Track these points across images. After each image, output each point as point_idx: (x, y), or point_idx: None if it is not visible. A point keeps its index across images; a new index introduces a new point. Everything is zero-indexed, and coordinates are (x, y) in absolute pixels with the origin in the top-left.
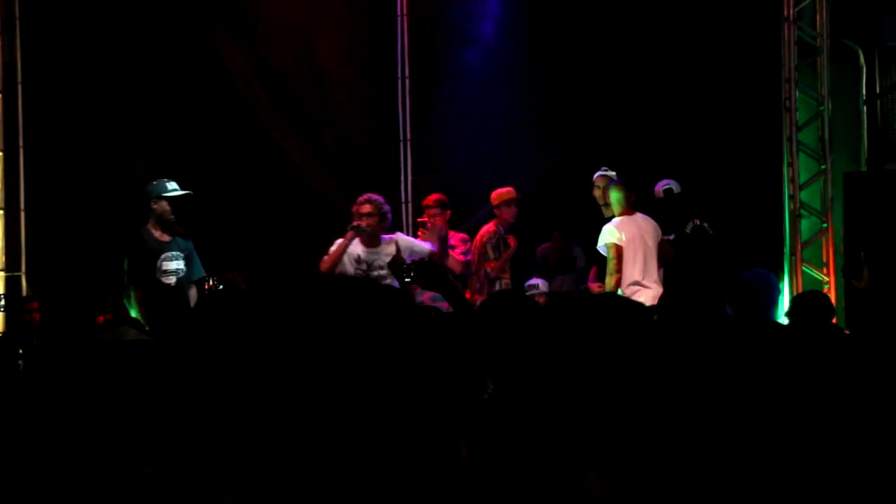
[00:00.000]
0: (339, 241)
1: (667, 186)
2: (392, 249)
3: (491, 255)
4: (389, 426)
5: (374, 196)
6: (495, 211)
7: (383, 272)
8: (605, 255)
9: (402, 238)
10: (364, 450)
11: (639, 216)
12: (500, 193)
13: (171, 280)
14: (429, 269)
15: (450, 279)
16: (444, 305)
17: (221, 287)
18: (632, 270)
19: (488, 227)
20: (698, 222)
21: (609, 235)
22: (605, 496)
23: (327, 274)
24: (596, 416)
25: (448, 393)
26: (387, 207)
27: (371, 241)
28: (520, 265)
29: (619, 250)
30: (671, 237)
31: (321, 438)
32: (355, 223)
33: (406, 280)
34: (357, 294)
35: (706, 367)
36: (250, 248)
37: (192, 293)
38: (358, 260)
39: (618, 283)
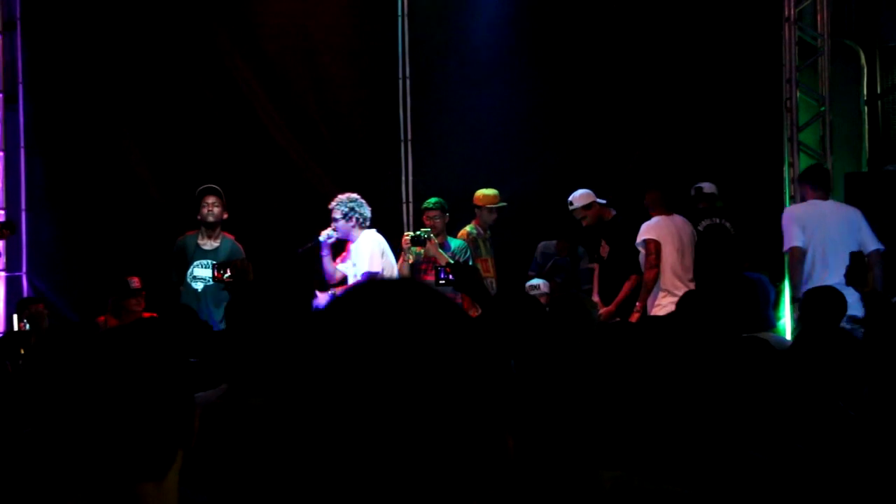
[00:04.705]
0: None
1: (698, 185)
2: None
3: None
4: (446, 423)
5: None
6: (476, 211)
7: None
8: (641, 250)
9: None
10: (421, 446)
11: (676, 217)
12: (486, 195)
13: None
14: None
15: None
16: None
17: (230, 276)
18: (672, 267)
19: (465, 231)
20: (717, 220)
21: (648, 232)
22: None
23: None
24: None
25: (497, 387)
26: None
27: None
28: (519, 265)
29: (657, 246)
30: None
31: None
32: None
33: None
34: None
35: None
36: (249, 247)
37: None
38: None
39: (656, 278)
